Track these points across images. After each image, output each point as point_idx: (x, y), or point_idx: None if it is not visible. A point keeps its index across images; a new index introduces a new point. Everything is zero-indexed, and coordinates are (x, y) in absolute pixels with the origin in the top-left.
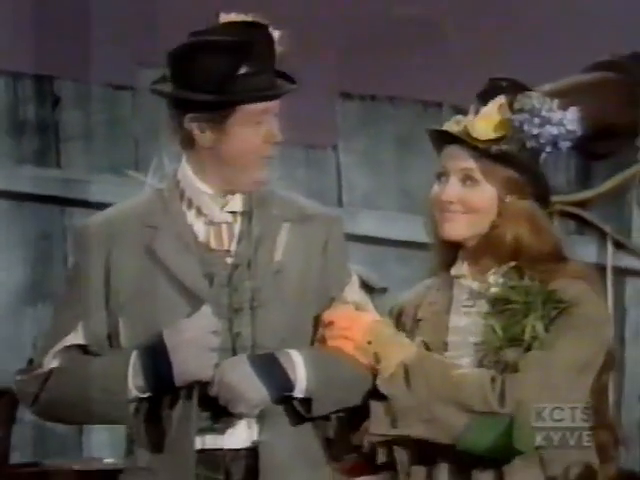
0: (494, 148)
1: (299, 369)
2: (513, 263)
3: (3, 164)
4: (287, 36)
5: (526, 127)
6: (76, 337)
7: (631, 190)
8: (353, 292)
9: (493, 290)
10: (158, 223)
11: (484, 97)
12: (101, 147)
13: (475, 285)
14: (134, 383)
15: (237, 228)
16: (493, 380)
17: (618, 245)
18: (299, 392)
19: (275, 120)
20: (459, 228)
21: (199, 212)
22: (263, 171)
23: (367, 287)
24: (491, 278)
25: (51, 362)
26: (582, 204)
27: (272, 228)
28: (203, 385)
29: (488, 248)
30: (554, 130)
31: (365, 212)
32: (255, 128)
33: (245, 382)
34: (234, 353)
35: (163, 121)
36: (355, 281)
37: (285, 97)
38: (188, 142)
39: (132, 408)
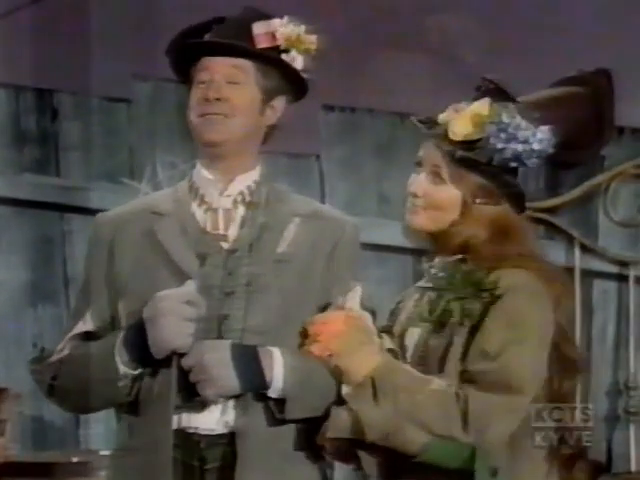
0: (458, 153)
1: (277, 370)
2: (459, 256)
3: (5, 172)
4: (287, 22)
5: (492, 140)
6: (85, 324)
7: (597, 197)
8: (353, 301)
9: (433, 279)
10: (164, 210)
11: (475, 94)
12: (98, 156)
13: (428, 274)
14: (121, 359)
15: (238, 214)
16: (457, 398)
17: (585, 249)
18: (273, 392)
19: (224, 85)
20: (420, 220)
21: (202, 200)
22: (208, 131)
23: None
24: (432, 270)
25: (61, 351)
26: (551, 210)
27: (280, 220)
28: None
29: (440, 242)
30: (519, 147)
31: None
32: (198, 88)
33: (220, 368)
34: (219, 335)
35: (156, 131)
36: (358, 291)
37: None
38: None
39: (126, 386)
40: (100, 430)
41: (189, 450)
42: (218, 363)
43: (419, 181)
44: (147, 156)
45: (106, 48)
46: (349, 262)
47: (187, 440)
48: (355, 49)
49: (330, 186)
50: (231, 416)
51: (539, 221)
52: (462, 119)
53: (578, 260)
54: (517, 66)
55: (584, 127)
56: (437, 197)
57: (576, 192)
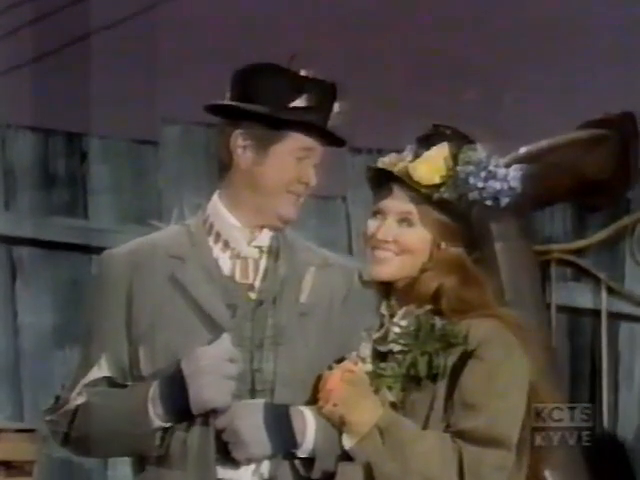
0: (436, 195)
1: (309, 433)
2: (428, 307)
3: (35, 214)
4: (348, 108)
5: (472, 180)
6: (100, 370)
7: (624, 239)
8: (366, 352)
9: (396, 331)
10: (184, 254)
11: (426, 142)
12: (126, 199)
13: (390, 325)
14: (155, 412)
15: (262, 264)
16: (453, 452)
17: (612, 291)
18: (303, 453)
19: (313, 168)
20: (389, 269)
21: (226, 245)
22: (290, 208)
23: None
24: (401, 321)
25: (77, 398)
26: (578, 252)
27: (298, 270)
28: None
29: (412, 290)
30: (497, 185)
31: None
32: (295, 162)
33: (252, 434)
34: (253, 387)
35: (184, 174)
36: (370, 340)
37: None
38: (226, 164)
39: (158, 438)
40: (128, 472)
41: None
42: (250, 428)
43: (387, 227)
44: (175, 198)
45: (133, 93)
46: (360, 311)
47: None
48: (381, 91)
49: (356, 228)
50: (266, 468)
51: (566, 263)
52: (425, 164)
53: (605, 302)
54: (545, 109)
55: (610, 169)
56: (409, 240)
57: (602, 234)
